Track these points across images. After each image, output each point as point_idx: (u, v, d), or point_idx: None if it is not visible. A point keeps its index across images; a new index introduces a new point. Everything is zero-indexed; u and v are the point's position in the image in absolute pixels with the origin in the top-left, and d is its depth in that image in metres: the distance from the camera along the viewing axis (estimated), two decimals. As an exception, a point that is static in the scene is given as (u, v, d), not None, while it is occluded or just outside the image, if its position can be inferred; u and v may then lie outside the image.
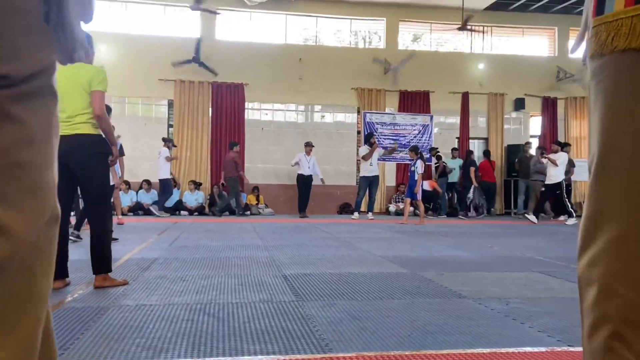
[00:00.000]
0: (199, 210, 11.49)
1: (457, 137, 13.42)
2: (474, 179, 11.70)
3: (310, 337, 2.29)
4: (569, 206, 10.22)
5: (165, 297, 3.09)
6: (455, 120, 13.51)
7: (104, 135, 3.40)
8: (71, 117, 3.32)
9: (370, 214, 10.76)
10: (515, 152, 12.74)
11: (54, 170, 0.65)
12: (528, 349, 2.18)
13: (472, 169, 11.81)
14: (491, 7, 12.97)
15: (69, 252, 3.41)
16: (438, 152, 12.20)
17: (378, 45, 13.73)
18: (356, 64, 12.86)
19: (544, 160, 10.46)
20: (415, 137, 12.54)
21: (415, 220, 9.68)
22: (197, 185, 11.79)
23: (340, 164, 12.81)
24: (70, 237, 5.49)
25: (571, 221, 9.98)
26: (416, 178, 9.37)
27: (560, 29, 13.72)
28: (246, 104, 12.57)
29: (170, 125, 12.44)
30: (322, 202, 11.72)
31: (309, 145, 11.06)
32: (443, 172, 11.91)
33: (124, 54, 11.99)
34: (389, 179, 13.07)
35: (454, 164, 12.31)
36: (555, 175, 10.07)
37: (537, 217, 10.20)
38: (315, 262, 4.56)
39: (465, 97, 13.39)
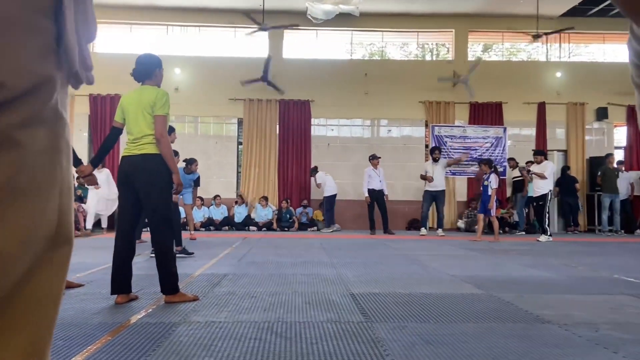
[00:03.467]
0: (267, 226, 11.66)
1: (533, 150, 12.78)
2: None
3: (381, 362, 2.19)
4: (546, 222, 9.40)
5: (234, 314, 3.10)
6: (531, 132, 12.90)
7: (166, 161, 3.42)
8: (137, 139, 3.44)
9: (440, 230, 10.44)
10: (599, 165, 11.97)
11: (63, 194, 0.64)
12: (625, 384, 1.97)
13: (577, 185, 11.78)
14: (568, 13, 12.36)
15: (132, 268, 3.49)
16: (527, 168, 11.53)
17: (446, 56, 13.46)
18: (423, 76, 12.65)
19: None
20: (487, 150, 12.07)
21: (490, 237, 9.27)
22: (266, 200, 12.00)
23: (408, 179, 12.57)
24: (151, 255, 5.77)
25: (544, 238, 9.17)
26: (490, 193, 9.00)
27: (646, 32, 12.80)
28: (312, 120, 12.69)
29: (239, 143, 12.78)
30: (390, 218, 11.49)
31: (375, 158, 10.77)
32: (522, 185, 11.35)
33: (196, 76, 12.53)
34: (460, 193, 12.67)
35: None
36: (542, 186, 9.38)
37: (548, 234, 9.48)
38: (385, 281, 4.44)
39: (541, 107, 12.78)
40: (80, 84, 0.67)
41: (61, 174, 0.63)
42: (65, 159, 0.64)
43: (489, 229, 10.46)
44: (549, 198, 9.49)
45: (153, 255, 5.73)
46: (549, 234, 9.39)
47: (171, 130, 6.33)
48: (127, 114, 3.52)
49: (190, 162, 7.71)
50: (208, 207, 11.78)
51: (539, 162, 9.68)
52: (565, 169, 12.23)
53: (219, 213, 11.74)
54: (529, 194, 10.72)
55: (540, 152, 10.06)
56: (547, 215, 9.51)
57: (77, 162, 3.84)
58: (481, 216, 9.46)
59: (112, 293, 3.38)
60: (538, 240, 9.22)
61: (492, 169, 9.14)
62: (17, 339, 0.60)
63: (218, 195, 11.86)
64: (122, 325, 2.81)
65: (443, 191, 10.59)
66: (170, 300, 3.39)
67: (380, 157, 10.86)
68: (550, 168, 9.59)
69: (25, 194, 0.59)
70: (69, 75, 0.65)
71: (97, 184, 3.90)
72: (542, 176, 9.42)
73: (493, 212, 9.15)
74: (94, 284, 4.15)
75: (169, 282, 3.40)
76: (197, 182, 8.03)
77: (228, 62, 12.54)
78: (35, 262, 0.60)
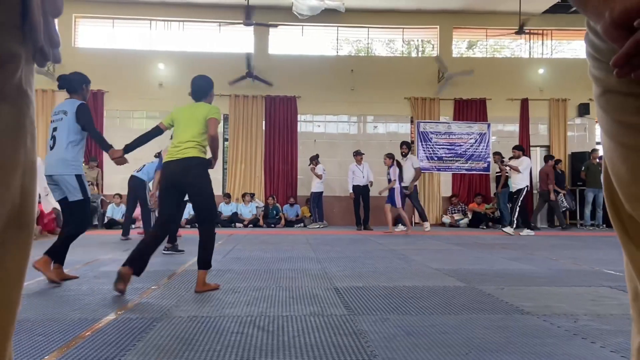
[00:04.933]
0: (253, 222, 11.62)
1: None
2: (555, 188, 11.40)
3: (362, 353, 2.20)
4: (515, 215, 9.74)
5: (217, 309, 3.09)
6: (515, 127, 13.03)
7: (211, 153, 3.93)
8: (181, 143, 3.78)
9: (426, 224, 10.46)
10: (581, 160, 12.10)
11: (26, 175, 0.62)
12: (601, 372, 2.00)
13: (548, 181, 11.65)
14: (550, 10, 12.48)
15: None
16: (502, 158, 11.61)
17: (432, 53, 13.51)
18: (409, 73, 12.71)
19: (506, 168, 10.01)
20: (472, 146, 12.15)
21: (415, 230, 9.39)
22: (251, 197, 11.94)
23: (394, 175, 12.61)
24: (164, 252, 5.89)
25: (509, 230, 9.58)
26: (394, 186, 9.39)
27: (627, 29, 12.95)
28: (299, 116, 12.68)
29: (225, 139, 12.72)
30: (377, 213, 11.53)
31: (358, 154, 10.85)
32: (505, 182, 11.43)
33: (180, 71, 12.42)
34: (445, 189, 12.75)
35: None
36: (519, 182, 9.63)
37: (531, 229, 9.86)
38: (368, 275, 4.46)
39: (524, 103, 12.91)
40: (46, 61, 0.64)
41: (25, 154, 0.61)
42: (29, 138, 0.62)
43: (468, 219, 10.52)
44: (524, 193, 9.64)
45: (166, 252, 5.93)
46: (514, 226, 9.64)
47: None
48: (179, 123, 3.90)
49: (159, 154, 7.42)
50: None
51: (517, 157, 9.83)
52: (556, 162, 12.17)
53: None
54: (510, 189, 10.84)
55: (519, 148, 10.22)
56: (517, 209, 9.71)
57: (108, 146, 4.19)
58: (388, 206, 9.63)
59: (125, 265, 3.47)
60: (504, 232, 9.44)
61: (393, 162, 9.40)
62: None
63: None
64: (101, 320, 2.78)
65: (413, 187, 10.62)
66: (200, 290, 3.65)
67: (363, 154, 10.91)
68: (526, 163, 9.73)
69: None
70: (35, 51, 0.62)
71: (126, 162, 4.16)
72: (516, 169, 9.55)
73: (398, 204, 9.33)
74: (77, 280, 4.10)
75: (208, 260, 3.74)
76: None
77: (213, 58, 12.46)
78: (0, 242, 0.59)
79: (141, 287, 3.77)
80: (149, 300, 3.33)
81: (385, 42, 14.03)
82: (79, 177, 4.09)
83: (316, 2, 11.03)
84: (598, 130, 13.17)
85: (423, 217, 10.60)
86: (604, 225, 11.49)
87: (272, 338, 2.44)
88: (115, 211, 11.05)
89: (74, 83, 4.25)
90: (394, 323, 2.74)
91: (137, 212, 8.40)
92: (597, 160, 11.49)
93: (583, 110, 12.86)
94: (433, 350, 2.26)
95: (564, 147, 12.90)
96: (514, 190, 9.80)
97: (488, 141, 12.24)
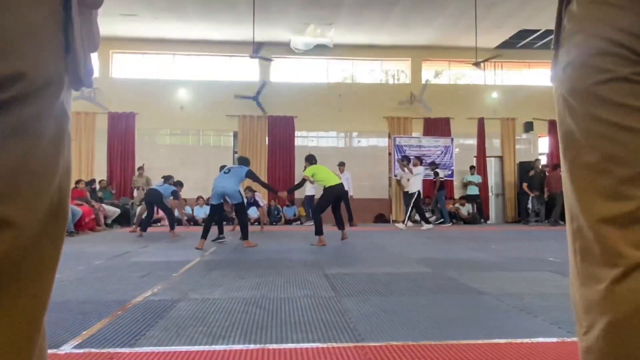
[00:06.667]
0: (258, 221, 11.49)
1: (474, 156, 12.99)
2: (528, 191, 11.38)
3: (346, 328, 2.19)
4: (408, 215, 10.00)
5: (226, 292, 3.07)
6: (473, 141, 13.09)
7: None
8: (330, 180, 6.35)
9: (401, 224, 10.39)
10: (527, 168, 12.16)
11: (63, 177, 0.63)
12: (541, 340, 2.00)
13: (525, 184, 11.55)
14: (501, 46, 12.59)
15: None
16: (436, 169, 11.67)
17: (405, 80, 13.58)
18: (387, 97, 12.75)
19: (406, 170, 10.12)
20: (438, 156, 12.21)
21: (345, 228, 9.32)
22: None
23: (375, 181, 12.64)
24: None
25: (400, 226, 9.81)
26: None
27: (563, 61, 13.05)
28: (296, 132, 12.67)
29: (235, 152, 12.68)
30: (361, 213, 11.55)
31: (341, 165, 10.95)
32: (441, 186, 11.43)
33: (198, 96, 12.41)
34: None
35: (474, 179, 12.01)
36: (410, 186, 9.84)
37: (404, 224, 9.87)
38: (353, 263, 4.45)
39: (481, 122, 12.98)
40: (81, 86, 0.66)
41: (62, 161, 0.63)
42: (66, 149, 0.63)
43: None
44: (417, 195, 9.74)
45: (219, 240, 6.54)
46: (406, 223, 9.84)
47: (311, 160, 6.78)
48: (319, 173, 6.41)
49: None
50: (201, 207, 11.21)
51: (415, 165, 10.03)
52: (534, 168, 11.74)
53: (202, 212, 10.91)
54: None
55: (419, 159, 10.43)
56: (410, 209, 9.84)
57: (275, 190, 7.16)
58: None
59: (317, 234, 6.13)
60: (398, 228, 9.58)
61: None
62: (22, 300, 0.58)
63: (201, 197, 11.22)
64: (130, 302, 2.76)
65: (408, 192, 10.28)
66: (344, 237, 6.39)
67: (345, 164, 10.96)
68: (417, 170, 9.91)
69: (36, 175, 0.58)
70: (74, 78, 0.64)
71: (287, 196, 5.64)
72: (410, 171, 9.82)
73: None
74: (111, 269, 4.07)
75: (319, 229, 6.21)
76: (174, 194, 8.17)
77: (225, 85, 12.44)
78: (40, 231, 0.59)
79: (165, 274, 3.75)
80: (170, 286, 3.31)
81: (367, 71, 14.08)
82: (240, 192, 6.12)
83: (309, 39, 11.06)
84: (541, 142, 13.29)
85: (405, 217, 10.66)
86: (546, 221, 11.40)
87: (271, 316, 2.43)
88: (200, 211, 10.88)
89: (244, 161, 6.42)
90: (373, 303, 2.74)
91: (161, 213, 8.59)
92: (539, 168, 11.43)
93: (528, 127, 12.96)
94: (405, 325, 2.26)
95: (513, 157, 12.98)
96: (408, 192, 9.90)
97: (452, 153, 12.31)
